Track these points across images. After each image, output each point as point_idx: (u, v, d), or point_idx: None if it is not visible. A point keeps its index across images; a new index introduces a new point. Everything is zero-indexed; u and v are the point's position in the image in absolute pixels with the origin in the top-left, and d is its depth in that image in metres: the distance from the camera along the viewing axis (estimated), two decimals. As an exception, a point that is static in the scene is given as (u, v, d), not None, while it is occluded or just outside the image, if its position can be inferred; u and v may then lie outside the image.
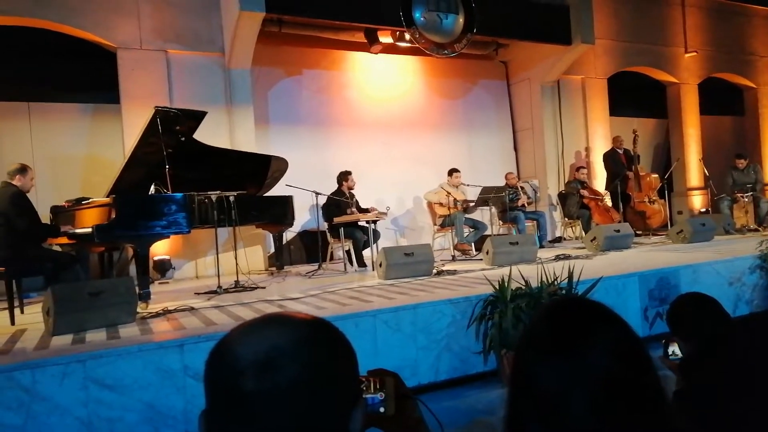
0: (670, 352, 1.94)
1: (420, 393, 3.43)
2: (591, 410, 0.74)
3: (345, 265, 6.49)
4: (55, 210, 5.30)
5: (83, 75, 6.88)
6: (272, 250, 7.19)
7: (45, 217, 5.27)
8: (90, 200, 4.84)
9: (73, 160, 6.82)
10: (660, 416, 0.77)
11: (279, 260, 6.92)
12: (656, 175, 8.91)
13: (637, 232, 8.07)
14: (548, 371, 0.77)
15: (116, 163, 5.64)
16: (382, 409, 0.84)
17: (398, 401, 0.86)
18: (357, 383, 0.72)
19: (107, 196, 4.81)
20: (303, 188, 6.13)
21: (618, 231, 6.95)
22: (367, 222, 6.52)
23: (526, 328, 0.89)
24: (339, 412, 0.64)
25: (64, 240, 4.73)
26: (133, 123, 6.21)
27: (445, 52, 7.59)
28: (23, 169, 4.69)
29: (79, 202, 4.94)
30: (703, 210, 10.42)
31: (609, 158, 9.04)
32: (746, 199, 9.13)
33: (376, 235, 6.66)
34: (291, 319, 0.67)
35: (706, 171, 9.63)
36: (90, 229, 4.33)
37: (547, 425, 0.76)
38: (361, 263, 6.62)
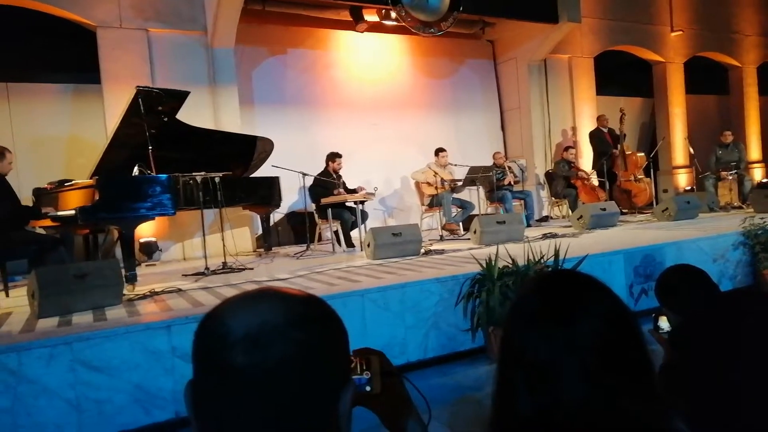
0: (659, 326, 1.96)
1: (409, 371, 3.46)
2: (582, 379, 0.74)
3: (333, 245, 6.48)
4: (38, 192, 5.21)
5: (63, 54, 6.73)
6: (260, 231, 7.16)
7: (27, 199, 5.19)
8: (73, 182, 4.77)
9: (54, 141, 6.70)
10: (648, 386, 0.77)
11: (267, 241, 6.89)
12: (642, 154, 8.97)
13: (623, 210, 8.14)
14: (540, 340, 0.77)
15: (99, 145, 5.55)
16: (368, 388, 0.84)
17: (384, 379, 0.86)
18: (348, 364, 0.71)
19: (90, 178, 4.74)
20: (290, 169, 6.08)
21: (604, 209, 7.00)
22: (355, 202, 6.51)
23: (516, 298, 0.88)
24: (328, 391, 0.63)
25: (48, 222, 4.67)
26: (114, 103, 6.10)
27: (432, 30, 7.52)
28: (0, 153, 4.61)
29: (61, 184, 4.87)
30: (688, 188, 10.52)
31: (594, 137, 9.08)
32: (730, 177, 9.23)
33: (364, 215, 6.65)
34: (285, 295, 0.65)
35: (691, 149, 9.70)
36: (73, 211, 4.27)
37: (537, 395, 0.76)
38: (350, 244, 6.61)
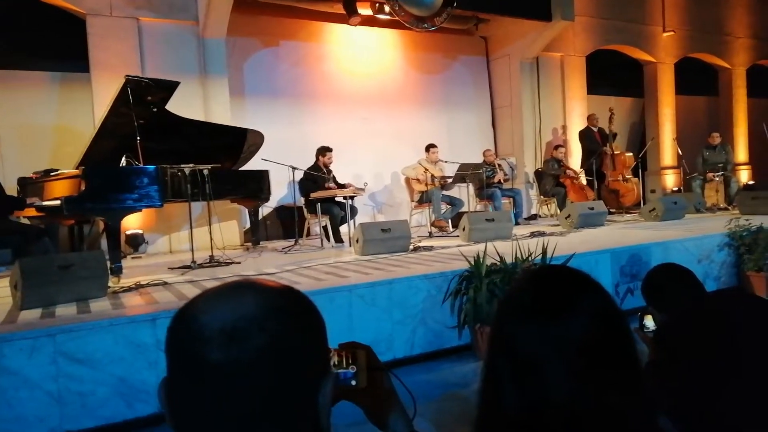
0: (645, 324, 1.97)
1: (395, 367, 3.46)
2: (570, 375, 0.74)
3: (322, 240, 6.46)
4: (23, 182, 5.14)
5: (51, 42, 6.61)
6: (248, 225, 7.12)
7: (12, 189, 5.12)
8: (58, 172, 4.72)
9: (41, 130, 6.60)
10: (635, 383, 0.77)
11: (255, 235, 6.85)
12: (630, 154, 9.04)
13: (611, 209, 8.19)
14: (530, 335, 0.77)
15: (86, 134, 5.48)
16: (353, 382, 0.83)
17: (370, 374, 0.85)
18: (326, 355, 0.70)
19: (77, 168, 4.68)
20: (279, 163, 6.05)
21: (592, 209, 7.04)
22: (345, 197, 6.49)
23: (507, 292, 0.87)
24: (307, 384, 0.62)
25: (32, 212, 4.61)
26: (103, 93, 6.02)
27: (425, 25, 7.50)
28: None
29: (47, 174, 4.81)
30: (676, 189, 10.60)
31: (584, 136, 9.12)
32: (717, 179, 9.32)
33: (354, 210, 6.63)
34: (260, 287, 0.64)
35: (679, 150, 9.78)
36: (59, 202, 4.22)
37: (524, 390, 0.75)
38: (338, 239, 6.60)
